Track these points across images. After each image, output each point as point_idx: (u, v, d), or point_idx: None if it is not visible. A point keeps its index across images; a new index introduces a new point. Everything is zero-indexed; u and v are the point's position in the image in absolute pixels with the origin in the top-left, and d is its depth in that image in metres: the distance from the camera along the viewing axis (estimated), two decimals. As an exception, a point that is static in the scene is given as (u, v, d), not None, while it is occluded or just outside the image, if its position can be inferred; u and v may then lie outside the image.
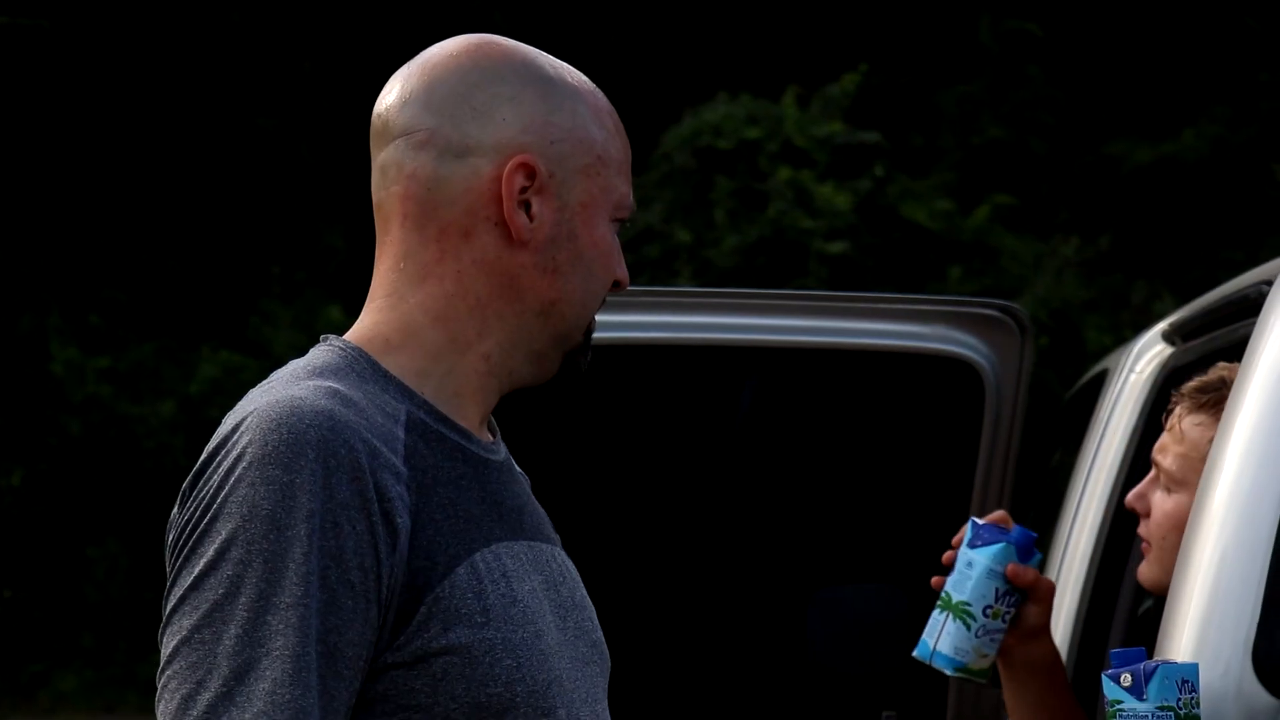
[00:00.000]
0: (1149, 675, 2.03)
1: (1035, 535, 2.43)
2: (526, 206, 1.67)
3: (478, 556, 1.60)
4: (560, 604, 1.68)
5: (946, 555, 2.42)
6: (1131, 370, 3.13)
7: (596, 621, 1.74)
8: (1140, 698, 2.03)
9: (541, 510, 1.76)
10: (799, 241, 12.76)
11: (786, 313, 3.01)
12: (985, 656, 2.39)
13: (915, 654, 2.40)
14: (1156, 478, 2.44)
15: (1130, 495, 2.46)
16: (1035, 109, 14.26)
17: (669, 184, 13.00)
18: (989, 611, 2.36)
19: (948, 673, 2.42)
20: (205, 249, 14.29)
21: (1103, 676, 2.07)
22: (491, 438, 1.72)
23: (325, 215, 14.36)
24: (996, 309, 3.00)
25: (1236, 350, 2.43)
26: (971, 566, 2.37)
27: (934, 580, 2.42)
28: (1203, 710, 2.04)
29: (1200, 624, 2.13)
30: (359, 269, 13.82)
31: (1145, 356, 3.12)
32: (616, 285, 1.73)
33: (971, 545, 2.38)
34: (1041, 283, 12.98)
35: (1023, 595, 2.39)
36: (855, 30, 14.48)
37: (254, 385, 1.66)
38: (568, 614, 1.69)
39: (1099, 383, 3.37)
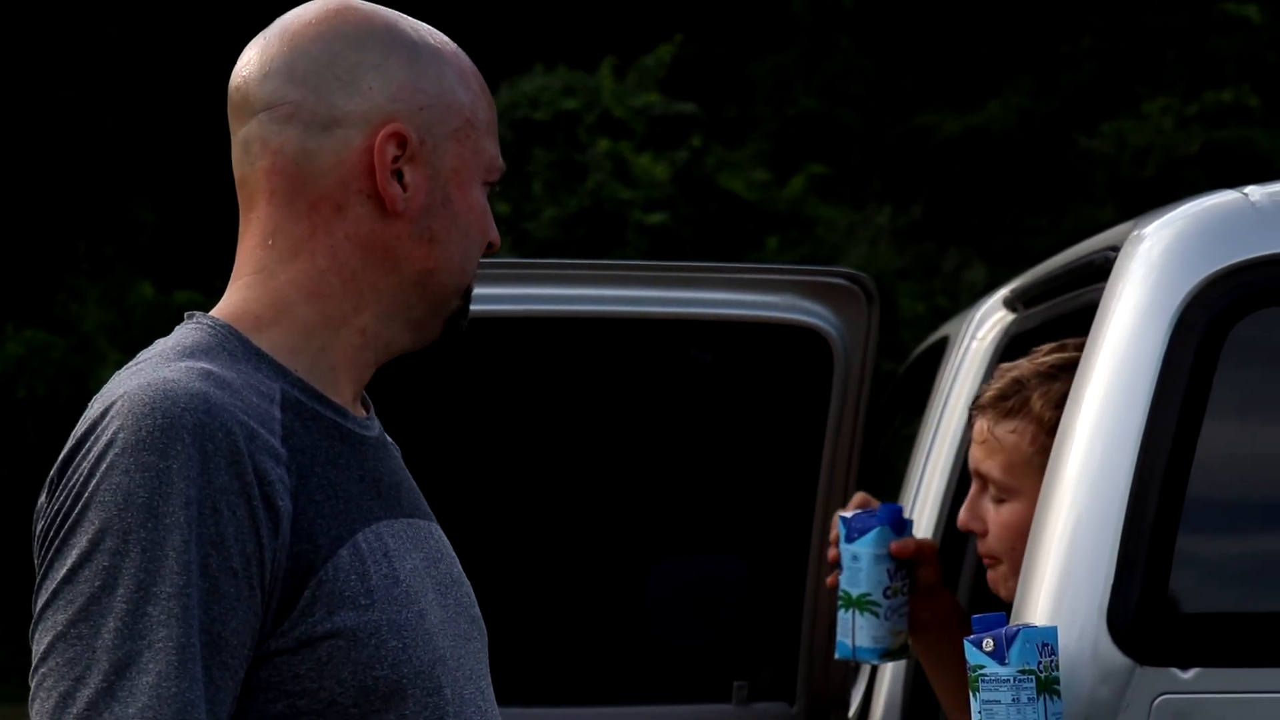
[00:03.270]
0: (1010, 640, 2.05)
1: (900, 507, 2.52)
2: (399, 176, 1.64)
3: (359, 537, 1.57)
4: (440, 581, 1.66)
5: (831, 554, 2.50)
6: (973, 337, 3.14)
7: (474, 597, 1.72)
8: (1002, 662, 2.05)
9: (415, 485, 1.73)
10: (618, 212, 12.76)
11: (634, 284, 2.98)
12: (900, 632, 2.48)
13: (838, 656, 2.49)
14: (983, 490, 2.43)
15: (962, 517, 2.45)
16: (847, 80, 14.40)
17: (486, 155, 12.89)
18: (889, 592, 2.45)
19: (875, 662, 2.57)
20: (7, 224, 13.89)
21: (965, 642, 2.09)
22: (365, 413, 1.69)
23: (133, 188, 14.03)
24: (844, 278, 2.99)
25: (1081, 316, 2.45)
26: (857, 560, 2.46)
27: (829, 580, 2.50)
28: (1061, 672, 2.07)
29: (1056, 588, 2.16)
30: (170, 243, 13.54)
31: (987, 323, 3.13)
32: (490, 247, 1.72)
33: (849, 540, 2.47)
34: (856, 251, 13.13)
35: (912, 564, 2.47)
36: (669, 0, 14.49)
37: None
38: (447, 591, 1.66)
39: (939, 350, 3.39)
